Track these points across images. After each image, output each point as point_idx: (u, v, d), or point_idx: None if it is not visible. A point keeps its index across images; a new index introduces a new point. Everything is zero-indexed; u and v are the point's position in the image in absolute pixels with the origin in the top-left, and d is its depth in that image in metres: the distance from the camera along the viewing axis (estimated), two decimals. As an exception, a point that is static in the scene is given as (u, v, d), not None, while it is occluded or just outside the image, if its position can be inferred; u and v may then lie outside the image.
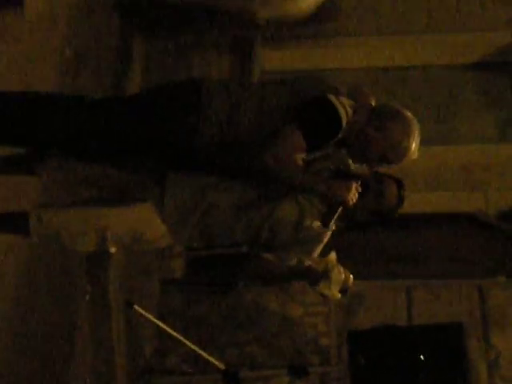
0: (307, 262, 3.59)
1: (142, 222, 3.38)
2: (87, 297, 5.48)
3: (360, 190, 3.40)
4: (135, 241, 3.44)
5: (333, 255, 3.74)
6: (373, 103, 3.46)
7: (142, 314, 5.80)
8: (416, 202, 7.98)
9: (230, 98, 3.24)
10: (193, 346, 6.07)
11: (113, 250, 3.47)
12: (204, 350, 6.12)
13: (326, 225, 3.46)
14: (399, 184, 3.62)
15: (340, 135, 3.28)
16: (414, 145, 3.37)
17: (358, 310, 7.40)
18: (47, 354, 4.68)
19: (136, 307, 5.73)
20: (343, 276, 3.69)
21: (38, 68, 4.64)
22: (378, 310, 7.33)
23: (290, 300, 7.52)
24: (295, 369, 6.11)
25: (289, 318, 7.44)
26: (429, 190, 7.98)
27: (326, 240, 3.59)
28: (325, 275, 3.63)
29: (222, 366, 6.00)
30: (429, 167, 8.00)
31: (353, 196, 3.36)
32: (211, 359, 6.01)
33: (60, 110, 3.21)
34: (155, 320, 5.99)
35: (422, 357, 5.62)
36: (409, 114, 3.41)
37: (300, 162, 3.26)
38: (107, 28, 6.13)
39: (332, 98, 3.24)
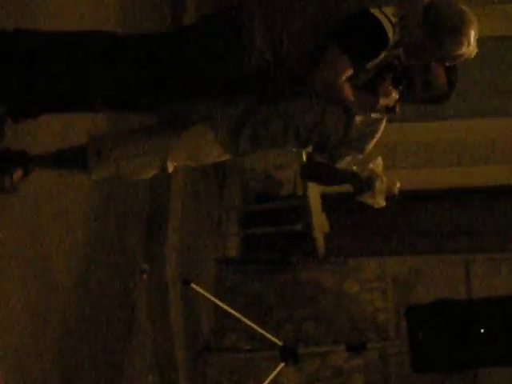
0: (354, 166, 3.58)
1: (200, 144, 3.48)
2: (144, 276, 5.52)
3: (402, 85, 3.37)
4: (193, 160, 3.56)
5: (379, 161, 3.67)
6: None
7: (199, 292, 5.84)
8: (473, 175, 7.89)
9: (270, 27, 3.17)
10: (250, 323, 6.09)
11: (171, 169, 3.54)
12: (261, 327, 6.14)
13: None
14: (448, 68, 3.52)
15: (387, 49, 3.20)
16: (472, 49, 3.27)
17: (416, 285, 7.35)
18: (106, 335, 4.72)
19: (193, 285, 5.77)
20: (387, 185, 3.62)
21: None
22: (437, 285, 7.27)
23: (346, 276, 7.49)
24: (353, 345, 6.10)
25: (345, 295, 7.41)
26: (485, 163, 7.87)
27: (377, 136, 3.59)
28: (368, 184, 3.59)
29: (279, 343, 6.01)
30: (485, 140, 7.89)
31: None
32: (269, 336, 6.02)
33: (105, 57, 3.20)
34: (212, 298, 6.02)
35: (482, 330, 5.55)
36: (466, 15, 3.25)
37: (347, 83, 3.21)
38: None
39: (375, 11, 3.14)
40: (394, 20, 3.16)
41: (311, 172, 3.83)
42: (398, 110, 3.43)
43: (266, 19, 3.18)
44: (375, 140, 3.61)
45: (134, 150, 3.47)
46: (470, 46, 3.25)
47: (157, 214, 5.81)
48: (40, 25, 3.57)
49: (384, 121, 3.61)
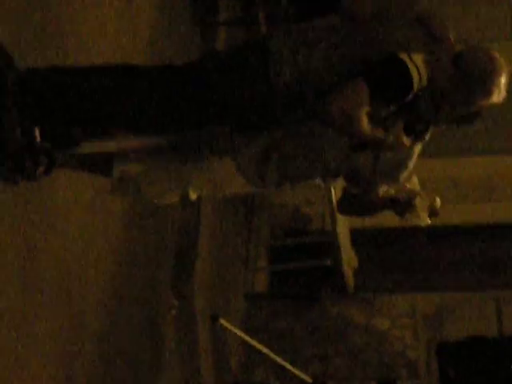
0: (390, 192, 3.54)
1: (222, 175, 3.45)
2: (173, 311, 5.52)
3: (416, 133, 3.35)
4: (216, 189, 3.51)
5: (414, 180, 3.64)
6: (451, 38, 3.29)
7: (227, 328, 5.82)
8: (503, 211, 7.84)
9: (297, 58, 3.11)
10: (279, 359, 6.06)
11: (194, 197, 3.52)
12: (290, 363, 6.10)
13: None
14: None
15: (410, 97, 3.16)
16: (501, 97, 3.20)
17: (447, 322, 7.28)
18: (135, 370, 4.72)
19: (222, 321, 5.75)
20: (428, 201, 3.58)
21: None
22: (468, 322, 7.20)
23: (376, 313, 7.44)
24: (383, 382, 6.05)
25: (375, 331, 7.36)
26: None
27: (411, 164, 3.56)
28: (409, 204, 3.56)
29: (308, 379, 5.97)
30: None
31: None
32: (298, 372, 5.99)
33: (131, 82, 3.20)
34: (241, 333, 6.01)
35: (513, 368, 5.50)
36: (498, 63, 3.17)
37: (365, 118, 3.11)
38: (189, 45, 6.19)
39: (405, 57, 3.07)
40: (422, 69, 3.10)
41: (349, 205, 3.81)
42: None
43: (293, 52, 3.17)
44: (410, 167, 3.59)
45: (157, 175, 3.49)
46: (500, 95, 3.19)
47: (186, 249, 5.82)
48: (70, 58, 3.60)
49: (418, 146, 3.58)
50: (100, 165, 3.55)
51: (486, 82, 3.16)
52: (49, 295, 3.60)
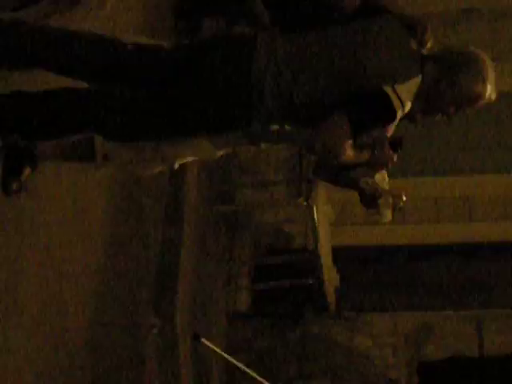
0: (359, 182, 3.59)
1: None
2: (155, 331, 5.50)
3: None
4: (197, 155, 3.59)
5: (385, 177, 3.66)
6: (429, 44, 3.30)
7: (209, 347, 5.80)
8: (484, 230, 7.87)
9: (279, 86, 3.14)
10: (260, 379, 6.04)
11: (176, 166, 3.58)
12: (272, 382, 6.09)
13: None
14: None
15: (391, 127, 3.25)
16: (489, 89, 3.22)
17: (428, 341, 7.29)
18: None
19: (204, 340, 5.74)
20: (392, 199, 3.61)
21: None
22: (449, 341, 7.22)
23: (358, 332, 7.45)
24: (365, 401, 6.04)
25: (357, 350, 7.36)
26: (497, 219, 7.87)
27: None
28: (373, 198, 3.59)
29: (290, 399, 5.96)
30: (495, 195, 7.89)
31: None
32: (279, 392, 5.97)
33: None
34: (223, 353, 5.99)
35: (494, 388, 5.50)
36: (480, 54, 3.24)
37: (349, 150, 3.22)
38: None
39: (388, 90, 3.14)
40: (405, 99, 3.16)
41: (323, 170, 3.85)
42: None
43: (276, 78, 3.16)
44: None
45: (141, 156, 3.51)
46: (487, 85, 3.21)
47: (167, 269, 5.81)
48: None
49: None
50: (82, 150, 3.55)
51: (468, 67, 3.21)
52: (29, 316, 3.58)
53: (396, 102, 3.14)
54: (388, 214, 3.60)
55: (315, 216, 6.83)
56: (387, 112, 3.17)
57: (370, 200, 3.58)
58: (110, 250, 4.67)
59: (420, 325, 7.39)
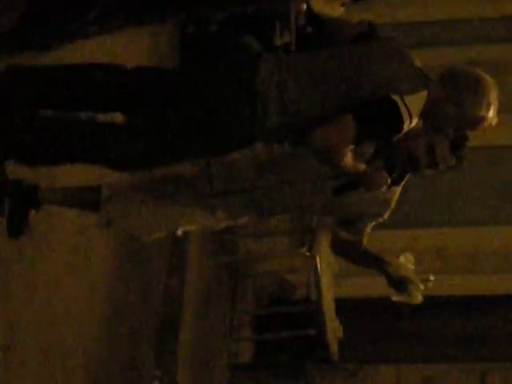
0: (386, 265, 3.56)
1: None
2: (156, 382, 5.46)
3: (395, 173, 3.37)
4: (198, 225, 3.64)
5: (410, 258, 3.63)
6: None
7: (210, 399, 5.75)
8: (488, 283, 7.84)
9: (284, 98, 3.08)
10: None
11: (179, 233, 3.62)
12: None
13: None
14: (455, 145, 3.48)
15: (398, 137, 3.17)
16: (492, 113, 3.20)
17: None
18: None
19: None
20: (420, 282, 3.59)
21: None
22: (452, 395, 7.17)
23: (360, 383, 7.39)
24: None
25: (359, 403, 7.31)
26: (500, 271, 7.84)
27: (393, 203, 3.63)
28: (400, 281, 3.57)
29: None
30: (500, 247, 7.87)
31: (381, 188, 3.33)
32: None
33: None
34: (224, 405, 5.94)
35: None
36: (484, 76, 3.22)
37: (349, 156, 3.14)
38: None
39: (397, 99, 3.07)
40: (413, 110, 3.09)
41: (340, 247, 3.83)
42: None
43: (280, 91, 3.10)
44: (392, 206, 3.68)
45: (143, 212, 3.51)
46: (490, 109, 3.19)
47: (169, 319, 5.79)
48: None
49: (398, 189, 3.64)
50: (87, 199, 3.55)
51: (473, 90, 3.17)
52: (31, 360, 3.56)
53: (404, 111, 3.07)
54: (418, 297, 3.59)
55: (318, 266, 6.80)
56: (394, 121, 3.08)
57: (398, 283, 3.57)
58: (112, 299, 4.66)
59: (423, 377, 7.34)
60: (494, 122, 3.23)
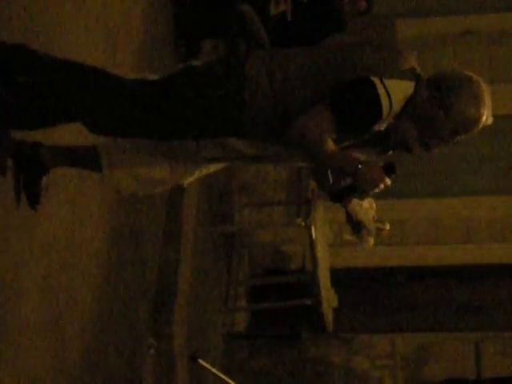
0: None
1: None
2: (152, 351, 5.48)
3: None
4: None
5: (368, 203, 3.57)
6: (417, 69, 3.14)
7: (206, 368, 5.78)
8: (483, 253, 7.87)
9: (273, 84, 3.06)
10: (258, 401, 6.02)
11: (185, 184, 3.62)
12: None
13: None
14: None
15: (377, 126, 3.06)
16: (485, 113, 3.10)
17: (426, 363, 7.27)
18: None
19: (201, 361, 5.72)
20: (374, 228, 3.54)
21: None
22: (447, 363, 7.20)
23: (355, 353, 7.43)
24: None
25: (354, 372, 7.34)
26: (495, 241, 7.87)
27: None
28: (357, 224, 3.53)
29: (288, 421, 5.93)
30: (495, 217, 7.89)
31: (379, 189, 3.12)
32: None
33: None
34: (220, 374, 5.97)
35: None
36: (474, 77, 3.11)
37: (329, 143, 3.02)
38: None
39: (376, 81, 2.98)
40: (395, 95, 3.00)
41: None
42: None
43: (269, 77, 3.09)
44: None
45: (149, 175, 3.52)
46: (481, 109, 3.10)
47: (164, 289, 5.80)
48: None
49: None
50: (88, 158, 3.55)
51: (462, 90, 3.08)
52: (27, 338, 3.58)
53: (383, 94, 2.98)
54: (370, 242, 3.57)
55: (313, 237, 6.82)
56: (373, 106, 2.99)
57: (355, 224, 3.54)
58: (107, 270, 4.67)
59: (418, 346, 7.37)
60: (490, 121, 3.13)
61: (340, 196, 3.23)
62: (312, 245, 6.87)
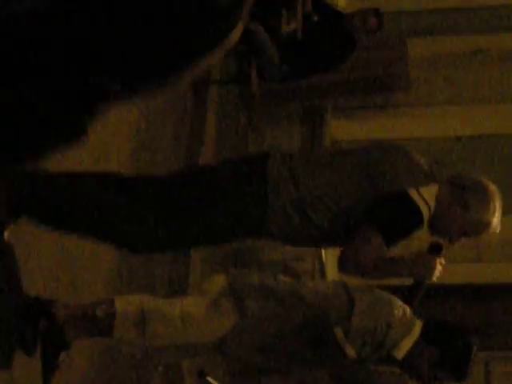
0: None
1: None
2: (160, 368, 5.47)
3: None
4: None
5: None
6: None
7: (214, 385, 5.77)
8: (493, 272, 7.84)
9: (298, 187, 3.14)
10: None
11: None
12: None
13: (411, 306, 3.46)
14: None
15: (420, 230, 3.23)
16: (496, 221, 3.30)
17: (435, 383, 7.23)
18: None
19: (209, 378, 5.71)
20: None
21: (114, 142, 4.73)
22: (456, 383, 7.15)
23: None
24: None
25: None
26: (505, 260, 7.84)
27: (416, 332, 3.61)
28: None
29: None
30: (505, 237, 7.87)
31: (437, 271, 3.32)
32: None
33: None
34: (228, 391, 5.95)
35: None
36: (491, 185, 3.33)
37: (381, 262, 3.22)
38: (182, 102, 6.24)
39: (413, 193, 3.15)
40: (430, 202, 3.18)
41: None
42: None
43: (293, 180, 3.16)
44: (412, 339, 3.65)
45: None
46: (495, 215, 3.27)
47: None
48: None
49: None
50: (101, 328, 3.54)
51: (481, 194, 3.26)
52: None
53: (422, 205, 3.14)
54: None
55: (323, 254, 6.81)
56: (413, 215, 3.15)
57: None
58: (118, 283, 4.68)
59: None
60: (498, 229, 3.31)
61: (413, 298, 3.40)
62: (321, 263, 6.87)
